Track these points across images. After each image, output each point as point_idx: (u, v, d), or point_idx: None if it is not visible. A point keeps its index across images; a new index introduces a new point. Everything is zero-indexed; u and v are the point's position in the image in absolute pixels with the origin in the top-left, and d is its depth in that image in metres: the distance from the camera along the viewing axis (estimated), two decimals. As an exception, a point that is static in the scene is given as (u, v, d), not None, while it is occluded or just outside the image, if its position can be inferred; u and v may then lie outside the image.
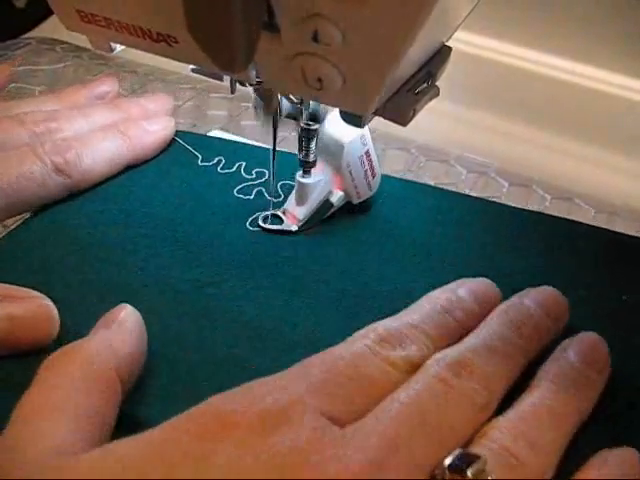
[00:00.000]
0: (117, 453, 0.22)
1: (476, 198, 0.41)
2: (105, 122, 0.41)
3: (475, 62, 0.54)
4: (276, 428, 0.22)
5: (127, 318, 0.29)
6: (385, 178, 0.40)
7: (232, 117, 0.49)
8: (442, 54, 0.32)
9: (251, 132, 0.47)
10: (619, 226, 0.41)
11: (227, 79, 0.34)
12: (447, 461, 0.23)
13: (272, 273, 0.35)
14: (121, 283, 0.34)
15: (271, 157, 0.36)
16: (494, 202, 0.41)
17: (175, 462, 0.21)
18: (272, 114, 0.34)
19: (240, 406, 0.23)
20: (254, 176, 0.41)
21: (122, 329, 0.28)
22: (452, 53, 0.31)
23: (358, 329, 0.28)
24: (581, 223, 0.39)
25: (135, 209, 0.38)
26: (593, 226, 0.39)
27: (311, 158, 0.36)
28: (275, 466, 0.21)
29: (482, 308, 0.30)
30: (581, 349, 0.29)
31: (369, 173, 0.38)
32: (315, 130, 0.35)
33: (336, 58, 0.26)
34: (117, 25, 0.30)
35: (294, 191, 0.38)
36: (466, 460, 0.23)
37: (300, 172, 0.37)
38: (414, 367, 0.26)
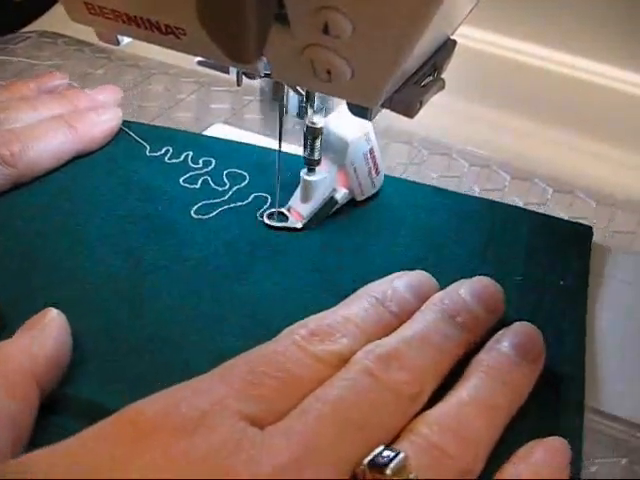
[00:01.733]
0: (34, 466, 0.21)
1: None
2: (53, 114, 0.41)
3: (477, 56, 0.54)
4: (194, 432, 0.22)
5: (50, 322, 0.28)
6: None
7: (235, 110, 0.49)
8: (447, 47, 0.32)
9: (254, 125, 0.47)
10: (620, 219, 0.41)
11: (233, 72, 0.34)
12: (367, 459, 0.23)
13: (218, 261, 0.35)
14: (65, 274, 0.34)
15: (277, 154, 0.36)
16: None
17: (92, 470, 0.21)
18: (279, 101, 0.34)
19: (160, 411, 0.23)
20: (200, 165, 0.41)
21: (44, 334, 0.28)
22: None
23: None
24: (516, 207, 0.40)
25: (82, 200, 0.38)
26: (529, 210, 0.40)
27: (316, 156, 0.36)
28: (190, 470, 0.21)
29: (418, 300, 0.30)
30: (515, 340, 0.29)
31: (373, 170, 0.39)
32: (320, 129, 0.35)
33: (345, 50, 0.26)
34: (125, 17, 0.31)
35: (299, 188, 0.38)
36: (387, 457, 0.23)
37: (305, 170, 0.37)
38: (344, 361, 0.26)
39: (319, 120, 0.35)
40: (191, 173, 0.41)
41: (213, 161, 0.42)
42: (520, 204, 0.42)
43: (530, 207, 0.42)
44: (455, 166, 0.45)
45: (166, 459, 0.21)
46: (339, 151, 0.37)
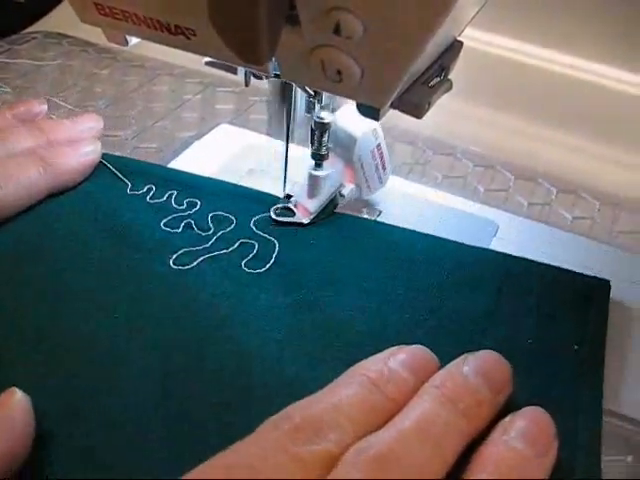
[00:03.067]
0: None
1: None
2: (25, 146, 0.38)
3: (482, 58, 0.54)
4: None
5: (10, 409, 0.26)
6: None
7: (240, 111, 0.50)
8: (454, 48, 0.32)
9: (259, 126, 0.47)
10: (624, 219, 0.42)
11: (241, 72, 0.34)
12: None
13: (195, 319, 0.32)
14: (31, 332, 0.31)
15: (284, 152, 0.37)
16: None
17: None
18: (287, 104, 0.34)
19: None
20: (185, 206, 0.38)
21: (5, 420, 0.26)
22: (460, 48, 0.32)
23: None
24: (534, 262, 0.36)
25: (55, 246, 0.35)
26: (541, 263, 0.36)
27: (323, 151, 0.37)
28: None
29: (417, 379, 0.27)
30: (523, 430, 0.26)
31: (380, 167, 0.39)
32: (328, 124, 0.36)
33: (356, 51, 0.26)
34: (134, 18, 0.31)
35: (306, 184, 0.38)
36: None
37: (312, 165, 0.37)
38: (333, 460, 0.23)
39: (327, 116, 0.35)
40: (174, 215, 0.38)
41: (198, 202, 0.38)
42: (524, 204, 0.42)
43: (534, 207, 0.42)
44: (459, 166, 0.46)
45: None
46: (347, 147, 0.37)
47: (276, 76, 0.30)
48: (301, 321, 0.32)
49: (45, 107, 0.43)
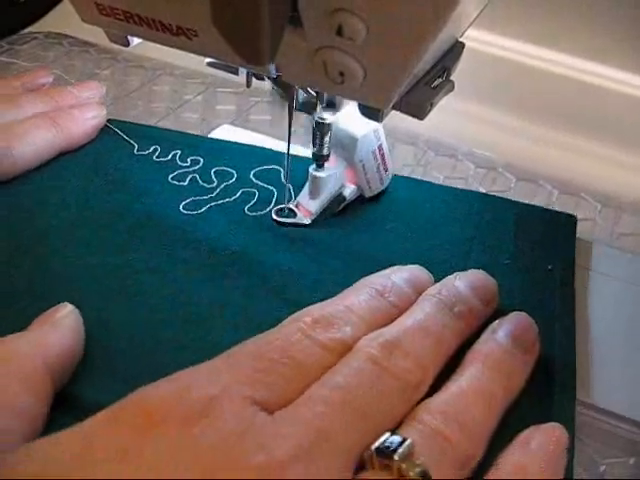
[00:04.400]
0: (41, 452, 0.21)
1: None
2: (36, 111, 0.42)
3: (483, 59, 0.54)
4: (202, 419, 0.22)
5: (63, 317, 0.29)
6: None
7: (241, 112, 0.50)
8: (456, 49, 0.32)
9: (260, 126, 0.47)
10: (625, 221, 0.42)
11: (242, 73, 0.34)
12: (375, 445, 0.23)
13: (205, 256, 0.35)
14: (56, 272, 0.34)
15: (286, 150, 0.37)
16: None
17: (100, 460, 0.21)
18: (289, 105, 0.34)
19: (166, 399, 0.23)
20: (189, 164, 0.42)
21: (56, 328, 0.28)
22: (462, 49, 0.32)
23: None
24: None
25: (69, 198, 0.38)
26: (516, 201, 0.41)
27: (325, 152, 0.36)
28: (200, 458, 0.21)
29: (415, 292, 0.30)
30: (510, 330, 0.29)
31: (381, 167, 0.39)
32: (329, 124, 0.36)
33: (359, 52, 0.26)
34: (136, 18, 0.31)
35: (307, 184, 0.38)
36: (394, 443, 0.23)
37: (313, 166, 0.37)
38: (347, 349, 0.26)
39: (328, 116, 0.35)
40: (179, 171, 0.41)
41: (201, 160, 0.42)
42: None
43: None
44: (461, 168, 0.45)
45: (176, 448, 0.21)
46: (348, 147, 0.37)
47: (278, 77, 0.30)
48: (303, 250, 0.36)
49: (51, 78, 0.47)
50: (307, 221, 0.38)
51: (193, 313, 0.32)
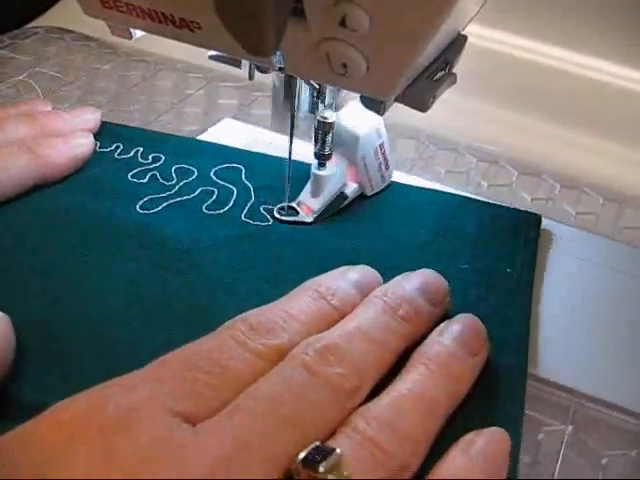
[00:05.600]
0: None
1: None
2: (17, 136, 0.39)
3: (486, 53, 0.54)
4: (118, 432, 0.21)
5: None
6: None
7: (242, 106, 0.50)
8: (458, 42, 0.32)
9: (262, 121, 0.47)
10: (628, 215, 0.42)
11: (245, 66, 0.34)
12: (301, 456, 0.22)
13: (156, 253, 0.35)
14: (7, 271, 0.33)
15: (288, 150, 0.37)
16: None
17: (24, 469, 0.20)
18: (291, 96, 0.34)
19: (86, 409, 0.22)
20: (150, 161, 0.41)
21: None
22: (462, 44, 0.32)
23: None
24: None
25: (26, 197, 0.37)
26: (478, 200, 0.40)
27: (327, 151, 0.36)
28: (115, 470, 0.20)
29: (361, 294, 0.29)
30: (457, 332, 0.28)
31: (383, 165, 0.39)
32: (331, 123, 0.36)
33: (362, 44, 0.26)
34: (139, 11, 0.31)
35: (309, 183, 0.38)
36: (321, 454, 0.22)
37: (315, 164, 0.37)
38: (283, 356, 0.25)
39: (330, 115, 0.35)
40: (140, 168, 0.41)
41: (162, 157, 0.41)
42: (528, 200, 0.42)
43: (538, 203, 0.42)
44: (462, 162, 0.45)
45: (90, 460, 0.20)
46: (350, 146, 0.37)
47: (281, 69, 0.30)
48: (255, 248, 0.36)
49: (49, 108, 0.43)
50: (309, 219, 0.38)
51: (143, 311, 0.32)
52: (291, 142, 0.36)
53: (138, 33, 0.33)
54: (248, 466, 0.21)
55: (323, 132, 0.36)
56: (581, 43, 0.53)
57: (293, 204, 0.38)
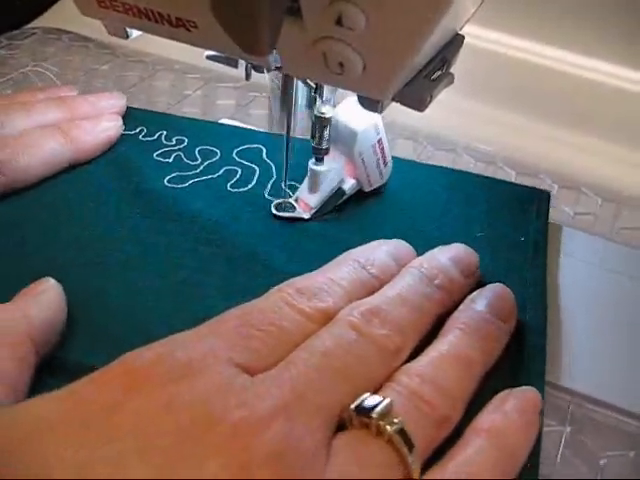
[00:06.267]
0: (29, 412, 0.22)
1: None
2: (48, 120, 0.41)
3: (483, 53, 0.54)
4: (184, 379, 0.23)
5: (46, 290, 0.30)
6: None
7: (240, 106, 0.50)
8: (455, 42, 0.32)
9: (259, 121, 0.47)
10: (625, 215, 0.42)
11: (242, 66, 0.34)
12: (354, 405, 0.24)
13: (187, 226, 0.36)
14: (43, 243, 0.35)
15: (284, 147, 0.37)
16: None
17: (87, 417, 0.21)
18: (288, 95, 0.34)
19: (150, 361, 0.23)
20: (174, 143, 0.43)
21: (39, 300, 0.29)
22: (460, 43, 0.32)
23: None
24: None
25: (59, 175, 0.39)
26: (487, 177, 0.42)
27: (324, 146, 0.36)
28: (180, 414, 0.21)
29: (398, 265, 0.31)
30: (488, 299, 0.30)
31: (381, 161, 0.39)
32: (329, 119, 0.36)
33: (358, 43, 0.26)
34: (135, 10, 0.31)
35: (307, 179, 0.38)
36: (372, 403, 0.24)
37: (313, 160, 0.37)
38: (329, 318, 0.27)
39: (328, 110, 0.35)
40: (164, 149, 0.42)
41: (185, 139, 0.43)
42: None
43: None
44: (461, 162, 0.45)
45: (156, 405, 0.22)
46: (348, 142, 0.37)
47: (277, 69, 0.30)
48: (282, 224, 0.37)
49: (75, 93, 0.45)
50: (306, 215, 0.38)
51: (176, 281, 0.33)
52: (288, 142, 0.36)
53: (134, 33, 0.33)
54: (304, 413, 0.23)
55: (320, 127, 0.36)
56: (578, 44, 0.53)
57: (290, 200, 0.38)
